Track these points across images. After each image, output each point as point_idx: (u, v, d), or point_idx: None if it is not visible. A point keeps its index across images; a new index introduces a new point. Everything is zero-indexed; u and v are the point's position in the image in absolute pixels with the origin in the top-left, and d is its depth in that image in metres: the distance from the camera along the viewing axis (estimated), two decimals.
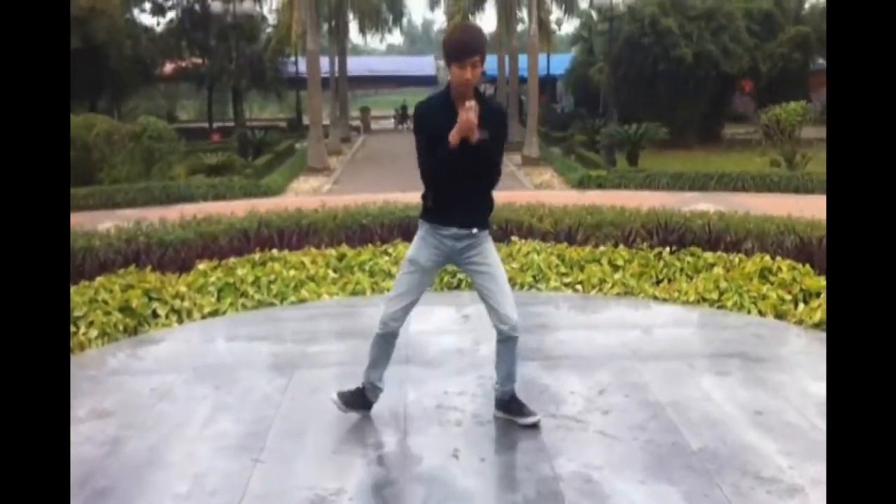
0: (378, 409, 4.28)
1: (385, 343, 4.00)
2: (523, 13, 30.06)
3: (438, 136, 3.60)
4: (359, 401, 4.16)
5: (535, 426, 3.98)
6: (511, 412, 4.07)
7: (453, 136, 3.56)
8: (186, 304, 6.25)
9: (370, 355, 4.05)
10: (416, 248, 3.91)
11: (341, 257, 7.40)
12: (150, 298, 6.15)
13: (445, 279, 6.84)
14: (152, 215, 9.88)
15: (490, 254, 3.94)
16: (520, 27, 32.13)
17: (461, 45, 3.59)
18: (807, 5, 30.57)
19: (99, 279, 6.44)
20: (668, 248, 7.35)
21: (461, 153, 3.60)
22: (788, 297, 6.09)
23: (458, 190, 3.77)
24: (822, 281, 5.99)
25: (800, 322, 5.75)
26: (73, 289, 6.14)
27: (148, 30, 33.93)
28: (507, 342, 3.89)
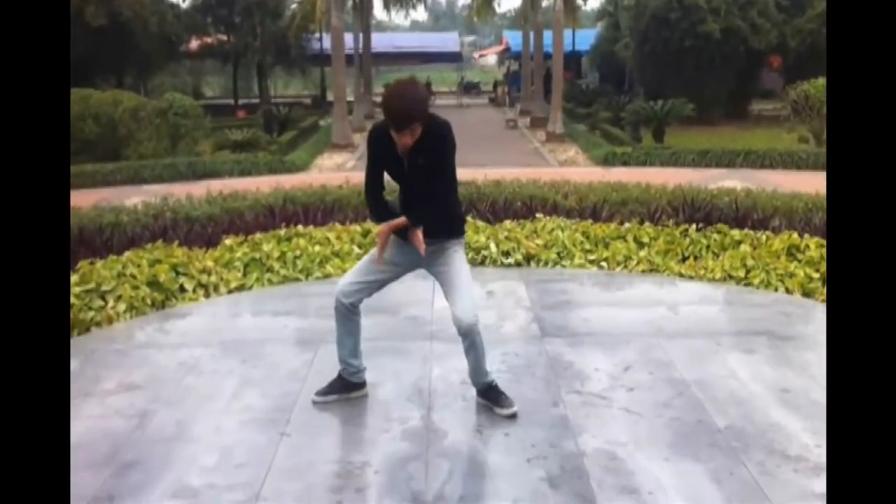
0: (402, 384, 4.30)
1: (340, 316, 3.97)
2: None
3: (380, 168, 3.81)
4: (337, 385, 4.15)
5: (513, 417, 3.89)
6: (489, 400, 4.01)
7: (384, 229, 3.75)
8: (213, 278, 6.30)
9: (336, 331, 4.06)
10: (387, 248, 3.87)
11: (366, 233, 7.40)
12: (178, 273, 6.20)
13: (469, 255, 6.84)
14: (179, 191, 9.95)
15: (453, 257, 3.87)
16: (545, 2, 31.80)
17: (396, 115, 3.53)
18: None
19: (127, 254, 6.50)
20: (694, 226, 7.30)
21: (401, 184, 3.81)
22: (816, 275, 6.02)
23: (414, 210, 3.78)
24: None
25: None
26: (100, 263, 6.22)
27: (174, 6, 33.96)
28: (465, 339, 3.84)
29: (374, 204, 3.96)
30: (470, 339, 3.82)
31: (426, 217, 3.72)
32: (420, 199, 3.72)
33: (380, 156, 3.77)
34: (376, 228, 3.89)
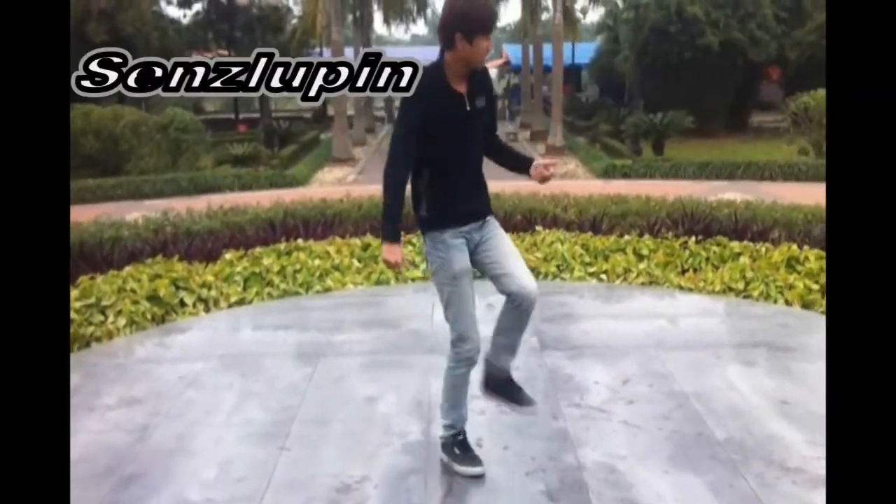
0: (403, 398, 4.30)
1: (467, 372, 3.45)
2: (548, 2, 29.90)
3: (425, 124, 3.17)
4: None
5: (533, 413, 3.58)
6: (505, 394, 3.56)
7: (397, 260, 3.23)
8: (213, 293, 6.31)
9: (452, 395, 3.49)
10: (449, 258, 3.32)
11: (366, 247, 7.42)
12: (178, 288, 6.21)
13: None
14: (179, 206, 9.96)
15: (495, 225, 3.45)
16: (544, 16, 31.93)
17: (491, 15, 3.17)
18: None
19: (127, 269, 6.51)
20: (693, 238, 7.31)
21: (457, 136, 3.26)
22: (815, 287, 6.03)
23: (466, 169, 3.38)
24: None
25: None
26: (101, 278, 6.23)
27: (174, 22, 34.04)
28: (525, 313, 3.34)
29: (393, 199, 3.21)
30: (529, 311, 3.34)
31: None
32: (478, 160, 3.36)
33: (436, 107, 3.17)
34: (385, 250, 3.28)
